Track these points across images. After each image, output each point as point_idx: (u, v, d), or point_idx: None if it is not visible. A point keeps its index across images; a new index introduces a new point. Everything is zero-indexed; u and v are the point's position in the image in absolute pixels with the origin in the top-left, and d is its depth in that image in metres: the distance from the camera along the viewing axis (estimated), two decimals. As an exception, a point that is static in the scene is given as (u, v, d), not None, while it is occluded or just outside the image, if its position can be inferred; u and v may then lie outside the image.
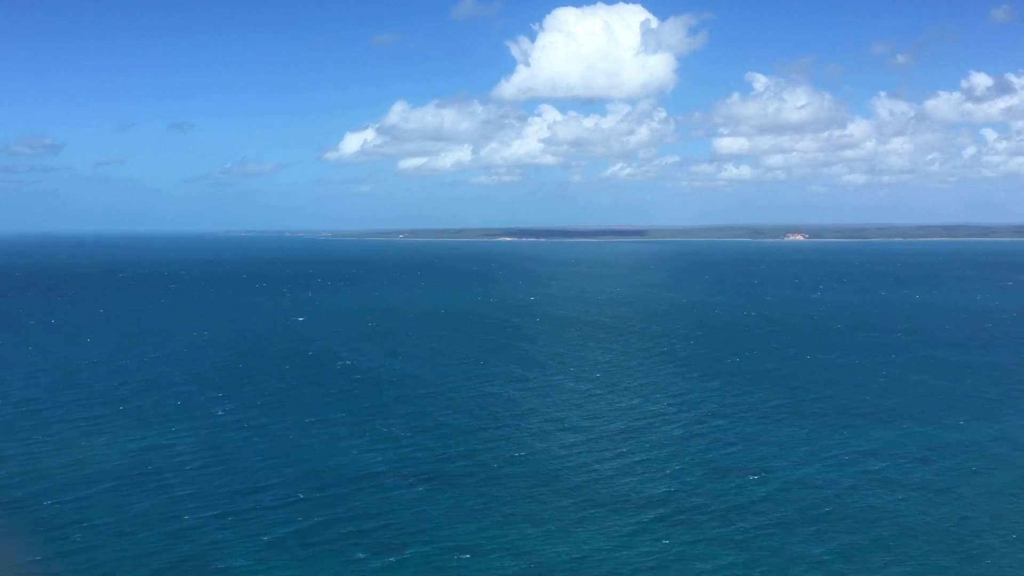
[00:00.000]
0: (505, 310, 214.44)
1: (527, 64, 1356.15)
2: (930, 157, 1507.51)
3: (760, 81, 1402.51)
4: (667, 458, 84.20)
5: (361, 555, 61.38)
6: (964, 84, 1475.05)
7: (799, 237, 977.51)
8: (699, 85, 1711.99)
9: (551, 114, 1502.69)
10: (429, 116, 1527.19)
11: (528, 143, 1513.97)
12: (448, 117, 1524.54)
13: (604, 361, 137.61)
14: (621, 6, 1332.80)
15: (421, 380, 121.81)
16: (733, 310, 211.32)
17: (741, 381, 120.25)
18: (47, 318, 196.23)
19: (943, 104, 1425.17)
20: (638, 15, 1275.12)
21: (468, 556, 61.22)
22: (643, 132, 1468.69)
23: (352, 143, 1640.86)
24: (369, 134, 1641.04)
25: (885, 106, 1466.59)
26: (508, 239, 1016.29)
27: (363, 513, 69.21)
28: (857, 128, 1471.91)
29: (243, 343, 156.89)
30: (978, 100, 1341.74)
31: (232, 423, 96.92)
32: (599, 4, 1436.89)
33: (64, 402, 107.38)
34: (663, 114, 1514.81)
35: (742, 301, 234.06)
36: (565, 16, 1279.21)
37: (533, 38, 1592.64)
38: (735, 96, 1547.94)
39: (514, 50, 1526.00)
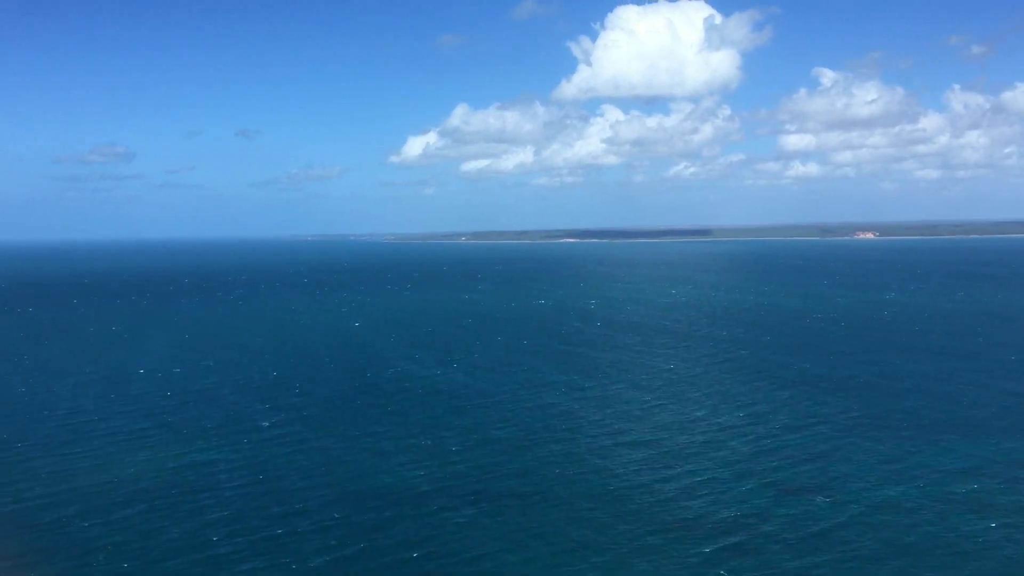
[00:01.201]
0: (565, 314, 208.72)
1: (588, 64, 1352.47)
2: (1007, 151, 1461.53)
3: (827, 76, 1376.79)
4: (735, 478, 77.80)
5: (399, 589, 56.61)
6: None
7: (869, 235, 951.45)
8: (764, 81, 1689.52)
9: (613, 114, 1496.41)
10: (491, 118, 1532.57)
11: (590, 144, 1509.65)
12: (510, 119, 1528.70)
13: (667, 369, 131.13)
14: (684, 3, 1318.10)
15: (473, 390, 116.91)
16: (802, 313, 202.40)
17: (814, 391, 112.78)
18: (108, 325, 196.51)
19: (1021, 96, 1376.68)
20: (701, 11, 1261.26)
21: (515, 591, 56.02)
22: (707, 130, 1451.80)
23: (415, 146, 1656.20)
24: (432, 137, 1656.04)
25: (959, 99, 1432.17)
26: (570, 240, 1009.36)
27: (404, 540, 64.36)
28: (930, 122, 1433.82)
29: (296, 350, 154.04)
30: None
31: (276, 437, 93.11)
32: (661, 2, 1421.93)
33: (109, 414, 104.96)
34: (727, 112, 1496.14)
35: (812, 303, 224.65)
36: (627, 14, 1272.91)
37: (594, 37, 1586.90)
38: (802, 92, 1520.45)
39: (575, 50, 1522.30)
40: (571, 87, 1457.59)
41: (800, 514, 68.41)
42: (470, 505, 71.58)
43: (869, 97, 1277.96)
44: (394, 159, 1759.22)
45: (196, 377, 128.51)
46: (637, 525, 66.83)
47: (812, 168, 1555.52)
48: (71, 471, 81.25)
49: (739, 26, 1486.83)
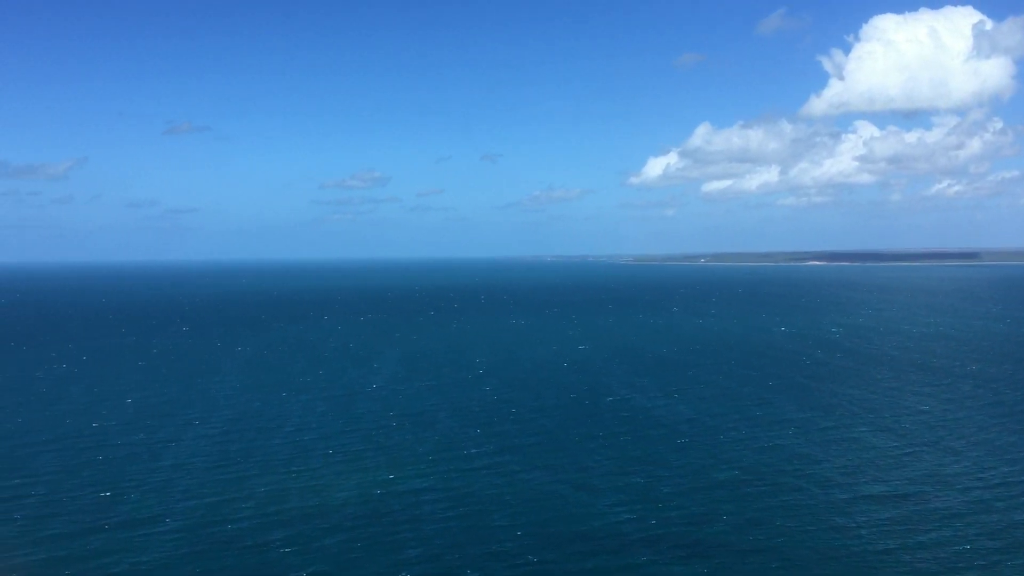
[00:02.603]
0: (805, 342, 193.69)
1: (840, 78, 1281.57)
2: None
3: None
4: (1004, 550, 65.05)
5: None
6: None
7: None
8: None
9: (867, 130, 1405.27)
10: (734, 137, 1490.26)
11: (841, 161, 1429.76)
12: (754, 137, 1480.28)
13: (921, 410, 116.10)
14: (949, 9, 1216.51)
15: (696, 425, 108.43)
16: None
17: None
18: (347, 341, 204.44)
19: None
20: (969, 17, 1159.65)
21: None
22: (974, 145, 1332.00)
23: (655, 167, 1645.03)
24: (672, 158, 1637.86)
25: None
26: (817, 263, 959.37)
27: (603, 596, 58.19)
28: None
29: (518, 372, 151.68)
30: None
31: (485, 467, 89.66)
32: (923, 9, 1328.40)
33: (331, 433, 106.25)
34: (999, 124, 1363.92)
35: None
36: (885, 24, 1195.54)
37: (847, 50, 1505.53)
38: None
39: (826, 64, 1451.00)
40: (821, 103, 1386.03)
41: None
42: (681, 561, 64.10)
43: None
44: (634, 180, 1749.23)
45: (418, 397, 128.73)
46: (878, 602, 56.75)
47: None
48: (284, 492, 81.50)
49: (1013, 31, 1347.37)
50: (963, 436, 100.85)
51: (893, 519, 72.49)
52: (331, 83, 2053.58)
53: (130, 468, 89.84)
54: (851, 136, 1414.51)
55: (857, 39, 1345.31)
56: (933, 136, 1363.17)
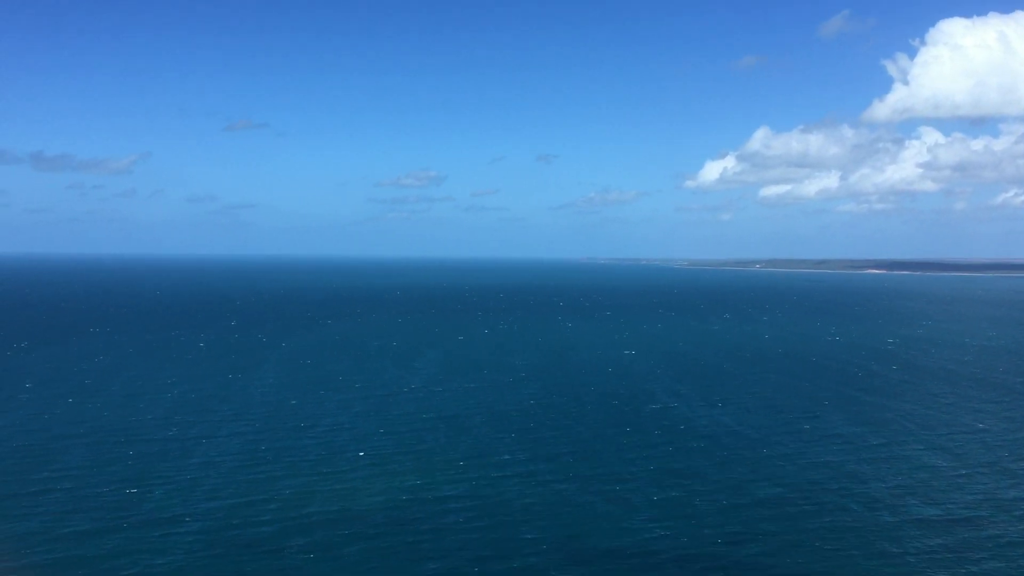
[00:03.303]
0: (858, 353, 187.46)
1: (905, 82, 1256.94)
2: None
3: None
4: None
5: None
6: None
7: None
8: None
9: (932, 136, 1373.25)
10: (794, 142, 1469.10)
11: (904, 168, 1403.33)
12: (814, 142, 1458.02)
13: (979, 429, 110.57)
14: (1019, 14, 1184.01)
15: (738, 436, 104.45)
16: None
17: None
18: (390, 340, 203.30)
19: None
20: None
21: None
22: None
23: (712, 171, 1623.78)
24: (729, 161, 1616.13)
25: None
26: (876, 271, 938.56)
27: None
28: None
29: (560, 377, 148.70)
30: None
31: (517, 475, 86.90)
32: (992, 13, 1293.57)
33: (364, 434, 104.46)
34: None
35: None
36: (952, 28, 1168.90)
37: (912, 54, 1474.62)
38: None
39: (890, 68, 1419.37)
40: (884, 108, 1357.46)
41: None
42: (713, 583, 60.79)
43: None
44: (690, 183, 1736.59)
45: (454, 400, 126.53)
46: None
47: None
48: (309, 496, 79.60)
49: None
50: (1023, 458, 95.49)
51: (944, 546, 68.17)
52: (387, 81, 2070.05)
53: (159, 465, 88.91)
54: (915, 142, 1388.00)
55: (923, 43, 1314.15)
56: (1000, 144, 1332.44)
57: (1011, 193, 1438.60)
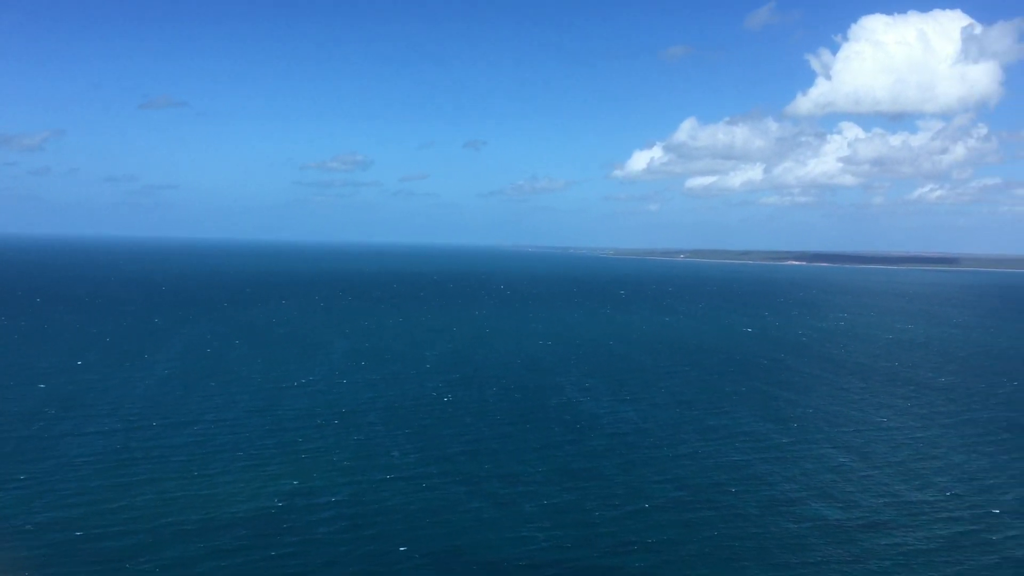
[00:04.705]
0: (773, 345, 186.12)
1: (828, 77, 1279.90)
2: None
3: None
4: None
5: None
6: None
7: None
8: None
9: (852, 131, 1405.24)
10: (720, 134, 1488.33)
11: (825, 162, 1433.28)
12: (739, 135, 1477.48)
13: (889, 427, 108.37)
14: (938, 12, 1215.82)
15: (644, 434, 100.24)
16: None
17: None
18: (297, 328, 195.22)
19: None
20: (958, 20, 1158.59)
21: None
22: (959, 150, 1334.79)
23: (640, 161, 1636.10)
24: (657, 152, 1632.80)
25: None
26: (796, 263, 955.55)
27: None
28: None
29: (468, 369, 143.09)
30: None
31: (401, 478, 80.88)
32: (912, 11, 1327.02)
33: (246, 430, 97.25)
34: (984, 130, 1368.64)
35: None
36: (874, 25, 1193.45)
37: (835, 49, 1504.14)
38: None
39: (814, 62, 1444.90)
40: (807, 102, 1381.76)
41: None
42: (598, 603, 55.91)
43: None
44: (618, 173, 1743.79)
45: (353, 394, 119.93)
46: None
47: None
48: (170, 503, 72.38)
49: (1002, 36, 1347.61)
50: (931, 458, 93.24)
51: (845, 555, 64.53)
52: (313, 63, 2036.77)
53: (7, 467, 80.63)
54: (836, 137, 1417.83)
55: (845, 39, 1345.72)
56: (918, 140, 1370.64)
57: (927, 188, 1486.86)
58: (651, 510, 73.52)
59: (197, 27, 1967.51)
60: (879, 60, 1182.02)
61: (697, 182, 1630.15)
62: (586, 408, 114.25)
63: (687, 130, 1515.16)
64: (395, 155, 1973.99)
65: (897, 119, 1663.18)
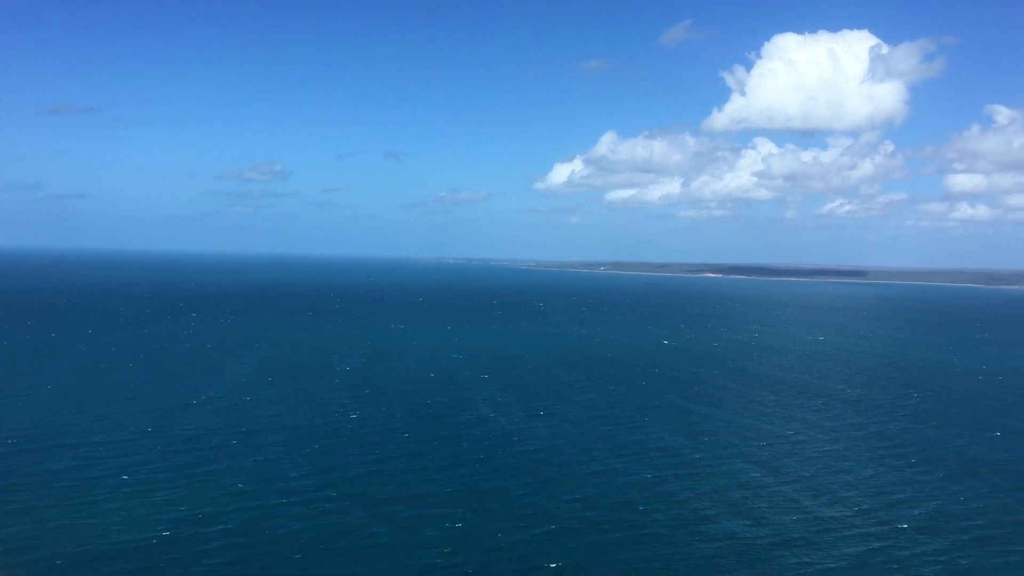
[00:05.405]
0: (687, 358, 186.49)
1: (742, 94, 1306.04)
2: None
3: (1003, 113, 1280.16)
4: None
5: None
6: None
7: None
8: (933, 116, 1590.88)
9: (766, 146, 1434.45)
10: (639, 147, 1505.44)
11: (740, 176, 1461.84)
12: (658, 148, 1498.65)
13: (800, 440, 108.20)
14: (847, 32, 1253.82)
15: (555, 451, 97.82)
16: (963, 372, 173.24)
17: (968, 476, 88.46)
18: (204, 342, 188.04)
19: None
20: (866, 41, 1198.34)
21: None
22: (867, 167, 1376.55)
23: (561, 173, 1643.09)
24: (577, 164, 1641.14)
25: None
26: (713, 275, 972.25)
27: None
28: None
29: (379, 384, 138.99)
30: None
31: (298, 503, 76.83)
32: (822, 31, 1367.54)
33: (136, 452, 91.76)
34: (890, 148, 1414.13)
35: (974, 361, 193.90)
36: (785, 43, 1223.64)
37: (749, 67, 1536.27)
38: (974, 129, 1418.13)
39: (729, 79, 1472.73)
40: (723, 118, 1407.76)
41: None
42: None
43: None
44: (539, 186, 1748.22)
45: (255, 412, 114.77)
46: None
47: (981, 211, 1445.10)
48: (41, 535, 67.08)
49: (907, 56, 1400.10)
50: (840, 472, 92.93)
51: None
52: (228, 70, 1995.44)
53: None
54: (751, 152, 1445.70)
55: (759, 56, 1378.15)
56: (828, 156, 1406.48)
57: (836, 203, 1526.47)
58: (558, 532, 70.99)
59: (108, 32, 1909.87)
60: (791, 78, 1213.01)
61: (617, 195, 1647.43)
62: (497, 424, 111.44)
63: (607, 144, 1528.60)
64: (315, 165, 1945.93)
65: (808, 136, 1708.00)
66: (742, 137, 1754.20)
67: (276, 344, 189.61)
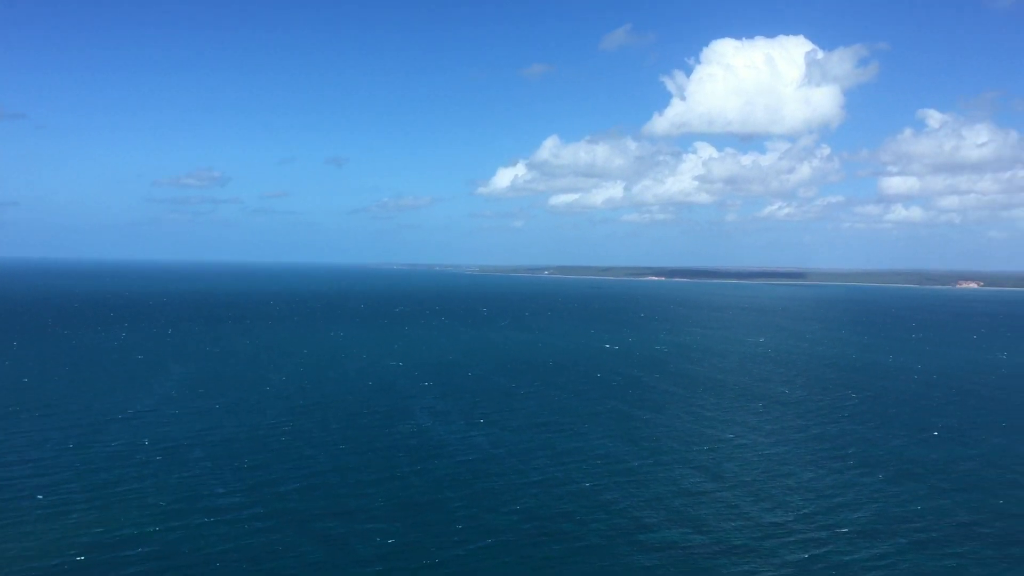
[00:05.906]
0: (630, 361, 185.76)
1: (682, 98, 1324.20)
2: None
3: (935, 117, 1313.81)
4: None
5: None
6: None
7: (973, 285, 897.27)
8: (867, 120, 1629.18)
9: (706, 151, 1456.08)
10: (581, 152, 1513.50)
11: (682, 180, 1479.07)
12: (600, 153, 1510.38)
13: (741, 445, 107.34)
14: (783, 38, 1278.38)
15: (494, 461, 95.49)
16: (900, 372, 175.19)
17: (907, 477, 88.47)
18: (134, 353, 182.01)
19: None
20: (802, 46, 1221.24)
21: None
22: (804, 170, 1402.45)
23: (504, 178, 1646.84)
24: (520, 169, 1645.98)
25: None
26: (655, 279, 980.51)
27: None
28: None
29: (314, 394, 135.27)
30: None
31: (224, 522, 73.17)
32: (759, 36, 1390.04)
33: (56, 470, 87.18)
34: (827, 151, 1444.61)
35: (910, 360, 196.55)
36: (723, 48, 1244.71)
37: (689, 72, 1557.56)
38: (907, 132, 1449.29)
39: (668, 84, 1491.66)
40: (663, 122, 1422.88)
41: None
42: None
43: (980, 140, 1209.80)
44: (483, 190, 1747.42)
45: (183, 425, 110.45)
46: None
47: (915, 212, 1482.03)
48: (-57, 559, 62.96)
49: (842, 62, 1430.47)
50: (782, 475, 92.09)
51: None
52: (162, 73, 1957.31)
53: None
54: (692, 156, 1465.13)
55: (698, 61, 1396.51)
56: (767, 160, 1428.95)
57: (775, 206, 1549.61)
58: (495, 547, 68.63)
59: (35, 37, 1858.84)
60: (729, 83, 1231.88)
61: (560, 199, 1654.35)
62: (436, 434, 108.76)
63: (549, 148, 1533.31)
64: (254, 171, 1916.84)
65: (747, 140, 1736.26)
66: (683, 141, 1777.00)
67: (209, 354, 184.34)
